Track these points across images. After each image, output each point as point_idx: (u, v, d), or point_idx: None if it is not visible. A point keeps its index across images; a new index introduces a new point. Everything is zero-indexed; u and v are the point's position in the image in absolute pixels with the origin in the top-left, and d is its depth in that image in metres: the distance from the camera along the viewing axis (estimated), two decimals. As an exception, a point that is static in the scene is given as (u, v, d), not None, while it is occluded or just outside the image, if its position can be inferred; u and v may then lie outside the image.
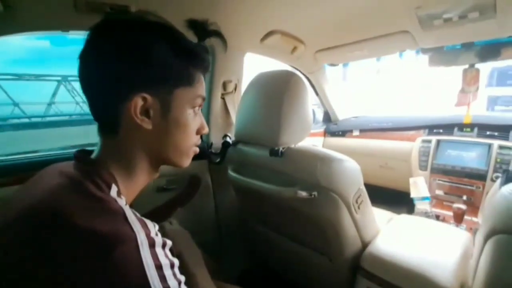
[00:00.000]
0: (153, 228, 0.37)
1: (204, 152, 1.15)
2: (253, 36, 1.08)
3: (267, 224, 1.04)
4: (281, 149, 0.79)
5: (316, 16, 1.03)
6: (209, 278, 0.61)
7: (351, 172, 0.78)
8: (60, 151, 1.00)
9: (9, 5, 0.58)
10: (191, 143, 0.48)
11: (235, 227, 1.26)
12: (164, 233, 0.85)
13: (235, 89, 1.20)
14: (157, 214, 1.04)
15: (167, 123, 0.43)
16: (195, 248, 0.80)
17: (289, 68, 1.40)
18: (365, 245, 0.86)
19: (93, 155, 0.44)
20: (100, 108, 0.42)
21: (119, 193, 0.39)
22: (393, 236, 0.90)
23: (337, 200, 0.76)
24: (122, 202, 0.37)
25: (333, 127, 1.88)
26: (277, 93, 0.78)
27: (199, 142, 0.50)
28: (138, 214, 0.37)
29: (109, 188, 0.38)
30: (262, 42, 1.12)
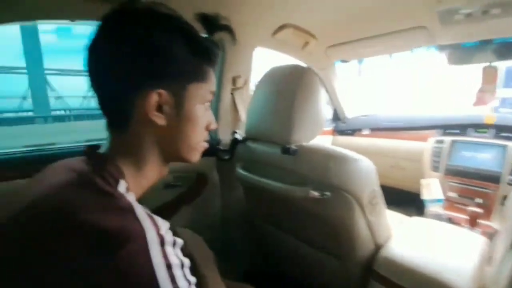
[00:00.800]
0: (164, 225, 0.35)
1: (212, 149, 1.12)
2: (264, 30, 1.05)
3: (275, 223, 1.02)
4: (293, 147, 0.77)
5: (329, 9, 0.99)
6: (220, 281, 0.59)
7: (366, 172, 0.76)
8: (71, 145, 0.98)
9: None
10: (201, 139, 0.48)
11: (242, 225, 1.24)
12: (175, 233, 0.84)
13: (245, 84, 1.17)
14: (164, 211, 1.04)
15: (179, 118, 0.43)
16: (207, 250, 0.78)
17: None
18: (378, 247, 0.84)
19: (102, 150, 0.43)
20: (111, 103, 0.41)
21: (127, 189, 0.38)
22: (407, 239, 0.87)
23: (351, 201, 0.73)
24: (131, 197, 0.36)
25: (342, 126, 1.84)
26: (289, 88, 0.76)
27: (208, 137, 0.50)
28: (148, 210, 0.36)
29: (117, 183, 0.37)
30: (273, 36, 1.09)
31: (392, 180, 1.57)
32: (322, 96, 0.79)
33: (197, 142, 0.47)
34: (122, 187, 0.37)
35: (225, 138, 1.12)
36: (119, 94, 0.40)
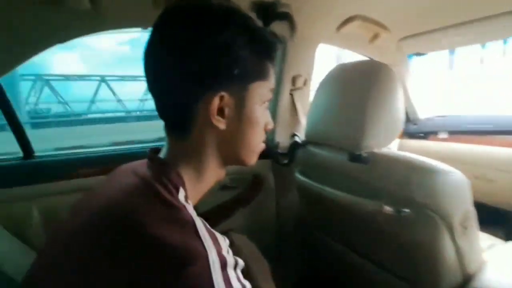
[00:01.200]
0: (224, 244, 0.33)
1: (269, 152, 1.09)
2: (328, 24, 0.97)
3: (333, 234, 0.94)
4: (364, 154, 0.68)
5: None
6: None
7: (458, 188, 0.63)
8: (142, 145, 1.06)
9: (95, 1, 0.60)
10: (260, 140, 0.46)
11: (296, 232, 1.18)
12: (231, 243, 0.84)
13: (305, 84, 1.11)
14: (218, 213, 1.05)
15: (240, 121, 0.41)
16: (263, 260, 0.76)
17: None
18: (467, 278, 0.69)
19: (162, 155, 0.42)
20: (171, 107, 0.40)
21: (186, 197, 0.37)
22: (506, 270, 0.71)
23: (437, 222, 0.61)
24: (191, 208, 0.35)
25: (412, 128, 1.62)
26: (361, 87, 0.67)
27: (265, 138, 0.48)
28: (208, 225, 0.34)
29: (177, 191, 0.36)
30: (339, 30, 0.99)
31: (476, 193, 1.31)
32: (401, 95, 0.68)
33: (256, 144, 0.45)
34: (181, 195, 0.36)
35: (282, 141, 1.07)
36: (179, 99, 0.38)
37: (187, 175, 0.40)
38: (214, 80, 0.37)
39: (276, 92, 1.08)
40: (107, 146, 1.05)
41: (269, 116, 0.48)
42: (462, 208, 0.63)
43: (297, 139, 0.94)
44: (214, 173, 0.44)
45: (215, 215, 1.03)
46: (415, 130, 1.61)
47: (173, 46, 0.37)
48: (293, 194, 1.10)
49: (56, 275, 0.33)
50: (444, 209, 0.61)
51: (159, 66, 0.38)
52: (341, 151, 0.74)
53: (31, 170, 0.85)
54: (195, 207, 0.44)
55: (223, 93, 0.37)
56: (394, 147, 1.64)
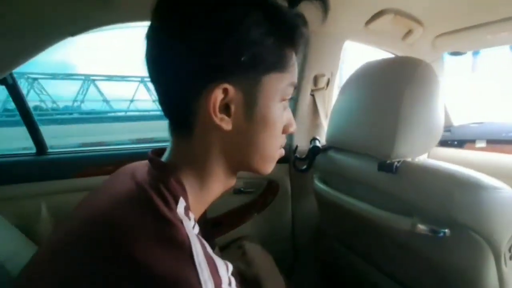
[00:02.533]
0: (226, 273, 0.27)
1: (286, 156, 1.02)
2: (356, 18, 0.89)
3: (355, 249, 0.86)
4: (396, 163, 0.59)
5: None
6: None
7: (508, 207, 0.53)
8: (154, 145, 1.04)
9: None
10: (278, 145, 0.38)
11: (312, 241, 1.11)
12: (244, 252, 0.79)
13: (328, 84, 1.03)
14: (231, 218, 1.00)
15: (250, 121, 0.34)
16: (277, 275, 0.70)
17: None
18: None
19: (164, 157, 0.36)
20: (169, 102, 0.35)
21: (187, 209, 0.31)
22: None
23: (482, 245, 0.52)
24: (190, 224, 0.30)
25: (445, 135, 1.49)
26: (394, 87, 0.60)
27: (285, 142, 0.41)
28: (208, 248, 0.28)
29: (176, 202, 0.31)
30: (367, 26, 0.91)
31: None
32: (441, 97, 0.60)
33: (272, 150, 0.37)
34: (180, 207, 0.30)
35: (301, 145, 1.00)
36: (177, 93, 0.33)
37: (188, 182, 0.34)
38: (216, 69, 0.31)
39: (296, 92, 1.01)
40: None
41: (291, 117, 0.40)
42: None
43: (317, 143, 0.86)
44: (220, 182, 0.37)
45: (227, 220, 0.98)
46: (448, 137, 1.48)
47: (167, 28, 0.31)
48: (310, 202, 1.04)
49: (39, 282, 0.28)
50: (491, 232, 0.52)
51: (154, 53, 0.33)
52: (367, 158, 0.66)
53: (43, 166, 0.84)
54: (203, 214, 0.39)
55: (226, 85, 0.31)
56: (423, 155, 1.52)
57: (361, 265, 0.84)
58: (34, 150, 0.85)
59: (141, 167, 0.36)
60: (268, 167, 0.39)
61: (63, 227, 0.34)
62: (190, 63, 0.31)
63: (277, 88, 0.34)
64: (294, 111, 1.03)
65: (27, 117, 0.81)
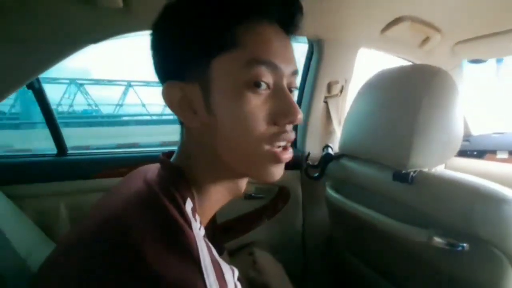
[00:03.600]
0: (232, 278, 0.27)
1: (298, 162, 1.02)
2: (372, 25, 0.88)
3: (367, 259, 0.84)
4: (411, 173, 0.58)
5: None
6: None
7: None
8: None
9: (128, 1, 0.59)
10: (262, 140, 0.31)
11: (323, 250, 1.09)
12: (254, 260, 0.79)
13: (341, 91, 1.02)
14: (241, 223, 1.00)
15: (212, 114, 0.31)
16: (288, 285, 0.69)
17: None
18: None
19: (172, 158, 0.37)
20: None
21: (194, 211, 0.31)
22: None
23: (504, 261, 0.50)
24: (196, 226, 0.29)
25: (464, 144, 1.43)
26: (411, 95, 0.58)
27: (288, 135, 0.32)
28: (214, 251, 0.27)
29: (184, 203, 0.30)
30: (383, 33, 0.90)
31: None
32: (460, 106, 0.58)
33: (256, 148, 0.31)
34: (188, 207, 0.30)
35: (314, 152, 0.99)
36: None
37: (192, 183, 0.34)
38: (164, 67, 0.32)
39: (309, 99, 1.01)
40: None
41: (287, 101, 0.32)
42: None
43: (330, 150, 0.85)
44: (218, 187, 0.35)
45: (238, 225, 0.98)
46: (467, 147, 1.42)
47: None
48: (322, 209, 1.02)
49: (54, 280, 0.29)
50: None
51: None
52: (382, 167, 0.65)
53: (63, 167, 0.88)
54: (210, 221, 0.39)
55: (177, 82, 0.31)
56: (440, 165, 1.47)
57: (372, 276, 0.81)
58: (55, 151, 0.88)
59: (153, 169, 0.37)
60: (263, 171, 0.32)
61: (78, 227, 0.34)
62: (156, 64, 0.33)
63: (233, 70, 0.29)
64: (307, 118, 1.02)
65: (50, 120, 0.85)
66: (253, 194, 1.00)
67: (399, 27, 0.87)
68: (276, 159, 0.32)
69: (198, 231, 0.29)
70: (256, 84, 0.30)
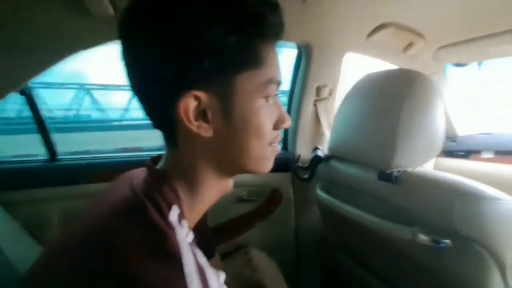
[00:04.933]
0: (216, 283, 0.27)
1: (289, 164, 1.03)
2: (358, 31, 0.91)
3: (358, 259, 0.86)
4: (395, 172, 0.60)
5: (444, 1, 0.78)
6: None
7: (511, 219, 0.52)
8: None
9: (119, 9, 0.60)
10: (267, 143, 0.37)
11: (316, 250, 1.11)
12: (249, 259, 0.80)
13: (330, 94, 1.04)
14: (234, 226, 1.01)
15: (231, 125, 0.33)
16: (282, 282, 0.70)
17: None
18: None
19: (159, 165, 0.37)
20: (150, 114, 0.35)
21: (180, 217, 0.31)
22: None
23: (486, 258, 0.52)
24: (182, 233, 0.29)
25: (450, 145, 1.47)
26: (394, 98, 0.61)
27: (279, 138, 0.39)
28: (200, 257, 0.28)
29: (170, 210, 0.31)
30: (369, 38, 0.93)
31: None
32: (441, 108, 0.60)
33: (264, 149, 0.36)
34: (173, 215, 0.30)
35: (304, 154, 1.01)
36: (153, 105, 0.33)
37: (181, 190, 0.35)
38: (181, 77, 0.30)
39: (299, 102, 1.03)
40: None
41: (282, 111, 0.38)
42: None
43: (319, 152, 0.87)
44: (213, 189, 0.37)
45: (231, 227, 0.99)
46: (453, 148, 1.46)
47: (129, 42, 0.32)
48: (314, 210, 1.05)
49: (40, 285, 0.29)
50: (494, 243, 0.51)
51: (126, 56, 0.33)
52: (368, 168, 0.67)
53: (54, 172, 0.87)
54: (199, 222, 0.40)
55: (196, 92, 0.30)
56: (429, 166, 1.50)
57: (363, 274, 0.83)
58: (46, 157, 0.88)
59: (140, 174, 0.38)
60: (263, 166, 0.37)
61: (65, 233, 0.35)
62: (156, 74, 0.31)
63: (254, 87, 0.33)
64: (297, 120, 1.04)
65: (41, 126, 0.85)
66: (245, 197, 1.01)
67: (383, 32, 0.90)
68: (275, 155, 0.39)
69: (184, 237, 0.29)
70: (268, 98, 0.35)
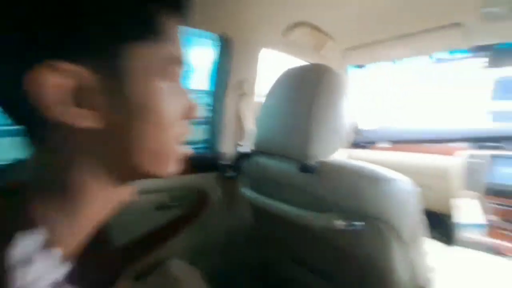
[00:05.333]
0: None
1: (214, 163, 0.98)
2: (273, 29, 0.92)
3: (288, 254, 0.87)
4: (312, 163, 0.61)
5: (351, 5, 0.86)
6: None
7: (409, 197, 0.59)
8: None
9: None
10: (171, 137, 0.29)
11: (249, 252, 1.08)
12: (168, 274, 0.70)
13: (251, 90, 1.03)
14: (153, 238, 0.88)
15: (123, 112, 0.25)
16: None
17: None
18: None
19: (25, 176, 0.27)
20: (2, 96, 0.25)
21: (45, 245, 0.23)
22: (453, 280, 0.71)
23: (388, 234, 0.57)
24: (39, 268, 0.22)
25: (358, 138, 1.68)
26: (306, 91, 0.63)
27: (187, 132, 0.32)
28: None
29: (21, 239, 0.22)
30: (284, 36, 0.95)
31: None
32: (346, 100, 0.65)
33: (168, 145, 0.29)
34: (29, 245, 0.22)
35: (228, 151, 0.97)
36: (5, 74, 0.23)
37: (51, 207, 0.25)
38: (43, 41, 0.22)
39: (221, 97, 0.99)
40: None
41: (188, 97, 0.31)
42: (413, 218, 0.60)
43: (241, 148, 0.85)
44: (99, 197, 0.28)
45: (148, 241, 0.86)
46: (360, 140, 1.67)
47: None
48: (243, 210, 1.01)
49: None
50: (397, 221, 0.57)
51: None
52: (290, 161, 0.67)
53: None
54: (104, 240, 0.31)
55: (66, 65, 0.22)
56: (344, 157, 1.68)
57: (296, 269, 0.84)
58: None
59: None
60: (164, 167, 0.29)
61: None
62: (8, 34, 0.22)
63: (151, 64, 0.26)
64: (220, 117, 1.00)
65: None
66: (166, 203, 0.91)
67: (297, 31, 0.94)
68: (180, 154, 0.31)
69: (40, 275, 0.21)
70: (171, 81, 0.28)
